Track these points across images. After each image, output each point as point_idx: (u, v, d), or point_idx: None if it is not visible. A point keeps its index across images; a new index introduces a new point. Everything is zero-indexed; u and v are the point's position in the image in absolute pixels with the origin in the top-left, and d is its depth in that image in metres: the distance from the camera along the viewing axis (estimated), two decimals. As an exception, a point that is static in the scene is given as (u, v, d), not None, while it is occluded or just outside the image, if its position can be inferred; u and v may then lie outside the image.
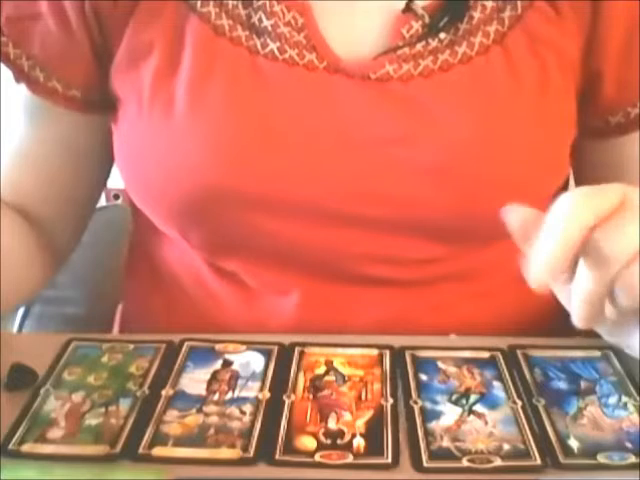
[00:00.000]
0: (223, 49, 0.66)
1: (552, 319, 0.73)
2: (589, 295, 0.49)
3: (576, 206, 0.49)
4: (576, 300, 0.50)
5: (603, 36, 0.68)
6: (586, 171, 0.77)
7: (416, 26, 0.66)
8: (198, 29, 0.67)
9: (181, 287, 0.76)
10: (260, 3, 0.66)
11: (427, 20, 0.66)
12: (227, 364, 0.62)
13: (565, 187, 0.78)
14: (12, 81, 0.71)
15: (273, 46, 0.66)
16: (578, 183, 0.78)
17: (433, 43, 0.66)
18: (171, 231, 0.72)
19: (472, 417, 0.56)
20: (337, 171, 0.65)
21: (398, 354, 0.63)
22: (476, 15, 0.67)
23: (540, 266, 0.48)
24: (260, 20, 0.66)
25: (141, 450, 0.53)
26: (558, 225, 0.48)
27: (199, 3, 0.67)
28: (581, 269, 0.49)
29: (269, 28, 0.66)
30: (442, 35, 0.66)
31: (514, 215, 0.51)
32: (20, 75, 0.70)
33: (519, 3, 0.67)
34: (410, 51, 0.66)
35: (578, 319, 0.51)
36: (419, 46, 0.66)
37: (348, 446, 0.54)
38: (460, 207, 0.66)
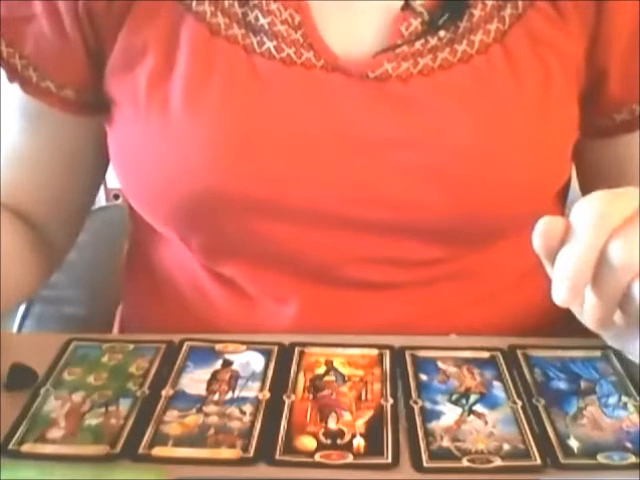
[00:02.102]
0: (219, 48, 0.66)
1: (552, 320, 0.73)
2: (602, 300, 0.50)
3: (598, 218, 0.49)
4: (589, 302, 0.50)
5: (607, 36, 0.68)
6: (591, 171, 0.77)
7: (415, 24, 0.66)
8: (193, 29, 0.66)
9: (179, 292, 0.76)
10: (256, 1, 0.66)
11: (426, 18, 0.66)
12: (227, 364, 0.62)
13: (567, 188, 0.78)
14: (7, 82, 0.71)
15: (270, 45, 0.66)
16: (582, 183, 0.78)
17: (432, 41, 0.66)
18: (170, 234, 0.72)
19: (472, 417, 0.56)
20: (336, 173, 0.65)
21: (398, 354, 0.63)
22: (476, 13, 0.66)
23: (565, 283, 0.49)
24: (256, 18, 0.66)
25: (141, 450, 0.53)
26: (580, 240, 0.49)
27: (194, 2, 0.66)
28: (595, 276, 0.49)
29: (265, 26, 0.66)
30: (442, 33, 0.66)
31: (540, 231, 0.50)
32: (13, 74, 0.70)
33: (520, 3, 0.67)
34: (409, 49, 0.65)
35: (591, 321, 0.51)
36: (418, 44, 0.66)
37: (348, 446, 0.54)
38: (461, 209, 0.66)
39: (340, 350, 0.64)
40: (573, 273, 0.49)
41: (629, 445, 0.54)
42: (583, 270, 0.49)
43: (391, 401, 0.58)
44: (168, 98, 0.65)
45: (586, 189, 0.78)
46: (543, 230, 0.50)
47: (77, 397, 0.59)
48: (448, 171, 0.65)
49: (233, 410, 0.57)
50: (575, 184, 0.79)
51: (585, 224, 0.49)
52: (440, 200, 0.65)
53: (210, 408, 0.57)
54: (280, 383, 0.60)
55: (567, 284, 0.49)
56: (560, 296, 0.49)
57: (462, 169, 0.65)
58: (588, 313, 0.51)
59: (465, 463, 0.52)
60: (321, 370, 0.62)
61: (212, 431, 0.55)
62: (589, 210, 0.50)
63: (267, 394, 0.59)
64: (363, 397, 0.58)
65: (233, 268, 0.71)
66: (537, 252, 0.51)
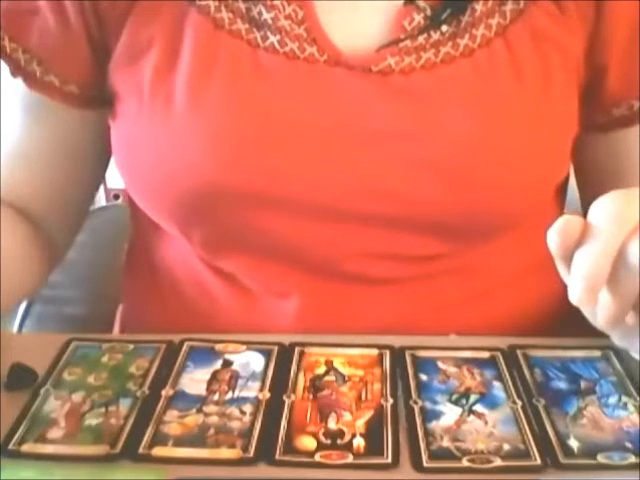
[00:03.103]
0: (223, 43, 0.66)
1: (552, 316, 0.73)
2: (617, 300, 0.50)
3: (616, 218, 0.49)
4: (603, 302, 0.50)
5: (607, 34, 0.68)
6: (588, 167, 0.77)
7: (418, 18, 0.66)
8: (197, 23, 0.67)
9: (180, 290, 0.76)
10: None
11: (429, 12, 0.66)
12: (227, 364, 0.62)
13: (565, 185, 0.78)
14: (9, 78, 0.71)
15: (273, 39, 0.66)
16: (579, 180, 0.79)
17: (435, 36, 0.66)
18: (172, 229, 0.72)
19: (472, 417, 0.56)
20: (337, 167, 0.65)
21: (398, 354, 0.63)
22: (478, 8, 0.67)
23: (581, 283, 0.49)
24: (260, 13, 0.66)
25: (141, 450, 0.53)
26: (598, 240, 0.49)
27: None
28: (611, 277, 0.49)
29: (269, 21, 0.66)
30: (444, 28, 0.66)
31: (557, 229, 0.50)
32: (16, 69, 0.70)
33: (521, 1, 0.67)
34: (412, 44, 0.66)
35: (603, 321, 0.51)
36: (421, 39, 0.66)
37: (348, 446, 0.54)
38: (461, 203, 0.66)
39: (340, 350, 0.64)
40: (590, 273, 0.49)
41: (629, 445, 0.54)
42: (600, 270, 0.48)
43: (391, 401, 0.58)
44: (172, 91, 0.66)
45: (584, 186, 0.79)
46: (561, 228, 0.50)
47: (77, 397, 0.59)
48: (449, 164, 0.65)
49: (233, 410, 0.57)
50: (573, 182, 0.79)
51: (603, 224, 0.49)
52: (441, 194, 0.65)
53: (210, 408, 0.57)
54: (280, 383, 0.60)
55: (584, 284, 0.49)
56: (576, 296, 0.49)
57: (463, 162, 0.65)
58: (601, 312, 0.51)
59: (465, 463, 0.52)
60: (321, 370, 0.62)
61: (212, 431, 0.55)
62: (607, 210, 0.50)
63: (267, 394, 0.59)
64: (363, 397, 0.58)
65: (234, 262, 0.71)
66: (552, 250, 0.51)
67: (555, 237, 0.50)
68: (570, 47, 0.68)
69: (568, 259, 0.50)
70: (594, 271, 0.49)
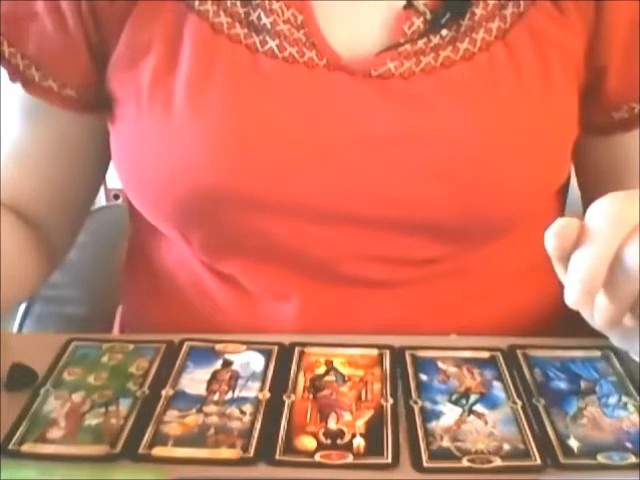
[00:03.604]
0: (222, 47, 0.66)
1: (551, 317, 0.73)
2: (615, 303, 0.50)
3: (613, 220, 0.49)
4: (601, 304, 0.50)
5: (606, 34, 0.68)
6: (588, 169, 0.77)
7: (417, 22, 0.66)
8: (196, 27, 0.66)
9: (180, 291, 0.76)
10: (258, 1, 0.66)
11: (428, 16, 0.66)
12: (227, 364, 0.62)
13: (566, 186, 0.78)
14: (8, 81, 0.71)
15: (272, 44, 0.66)
16: (580, 181, 0.79)
17: (435, 40, 0.66)
18: (171, 232, 0.72)
19: (472, 417, 0.56)
20: (337, 170, 0.65)
21: (398, 354, 0.63)
22: (478, 12, 0.67)
23: (578, 285, 0.49)
24: (259, 18, 0.66)
25: (141, 450, 0.53)
26: (595, 243, 0.49)
27: (197, 2, 0.67)
28: (609, 279, 0.49)
29: (268, 26, 0.66)
30: (444, 32, 0.66)
31: (554, 231, 0.50)
32: (15, 74, 0.70)
33: (522, 2, 0.67)
34: (411, 48, 0.66)
35: (601, 323, 0.51)
36: (420, 43, 0.66)
37: (348, 446, 0.54)
38: (462, 206, 0.66)
39: (340, 350, 0.64)
40: (587, 276, 0.49)
41: (629, 445, 0.54)
42: (597, 273, 0.48)
43: (391, 401, 0.58)
44: (171, 94, 0.66)
45: (584, 188, 0.79)
46: (558, 230, 0.50)
47: (77, 397, 0.59)
48: (450, 167, 0.65)
49: (233, 410, 0.57)
50: (574, 183, 0.79)
51: (600, 227, 0.49)
52: (442, 197, 0.65)
53: (210, 408, 0.57)
54: (280, 383, 0.60)
55: (580, 287, 0.49)
56: (572, 298, 0.49)
57: (464, 165, 0.65)
58: (599, 315, 0.51)
59: (465, 463, 0.52)
60: (321, 370, 0.62)
61: (212, 431, 0.55)
62: (604, 213, 0.50)
63: (267, 394, 0.59)
64: (363, 397, 0.58)
65: (234, 265, 0.71)
66: (550, 252, 0.51)
67: (552, 239, 0.50)
68: (570, 47, 0.68)
69: (565, 261, 0.50)
70: (590, 274, 0.49)
